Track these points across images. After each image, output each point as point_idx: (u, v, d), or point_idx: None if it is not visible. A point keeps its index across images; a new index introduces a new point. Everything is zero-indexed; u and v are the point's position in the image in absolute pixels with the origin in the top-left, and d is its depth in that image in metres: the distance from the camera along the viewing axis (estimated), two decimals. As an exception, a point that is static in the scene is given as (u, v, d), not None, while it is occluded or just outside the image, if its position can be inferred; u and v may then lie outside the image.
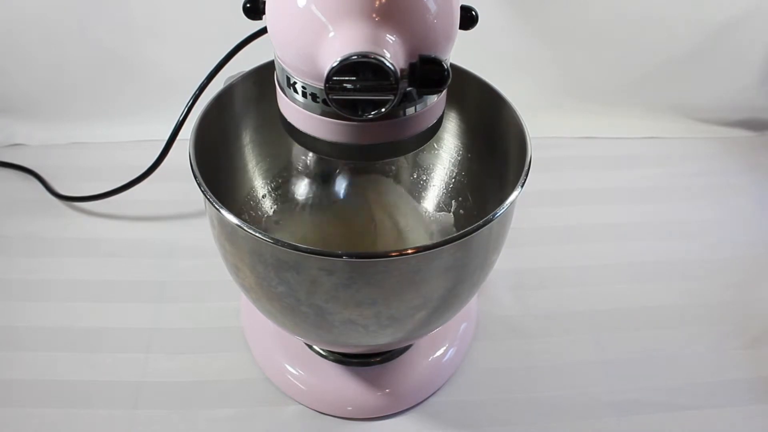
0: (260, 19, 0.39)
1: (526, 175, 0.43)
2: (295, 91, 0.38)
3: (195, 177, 0.42)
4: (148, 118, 0.77)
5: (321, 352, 0.54)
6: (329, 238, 0.56)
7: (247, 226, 0.39)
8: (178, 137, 0.60)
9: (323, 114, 0.37)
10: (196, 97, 0.57)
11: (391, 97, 0.34)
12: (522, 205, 0.47)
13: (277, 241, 0.38)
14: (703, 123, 0.83)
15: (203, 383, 0.54)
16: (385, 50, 0.33)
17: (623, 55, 0.81)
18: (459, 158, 0.56)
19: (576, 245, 0.67)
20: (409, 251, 0.38)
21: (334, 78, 0.33)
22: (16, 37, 0.75)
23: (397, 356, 0.54)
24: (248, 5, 0.39)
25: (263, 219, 0.56)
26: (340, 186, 0.57)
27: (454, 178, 0.56)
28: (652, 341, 0.58)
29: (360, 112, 0.35)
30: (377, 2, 0.34)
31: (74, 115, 0.78)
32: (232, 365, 0.55)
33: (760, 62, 0.80)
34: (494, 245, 0.45)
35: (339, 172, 0.56)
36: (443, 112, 0.41)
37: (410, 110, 0.37)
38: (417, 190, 0.58)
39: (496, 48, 0.78)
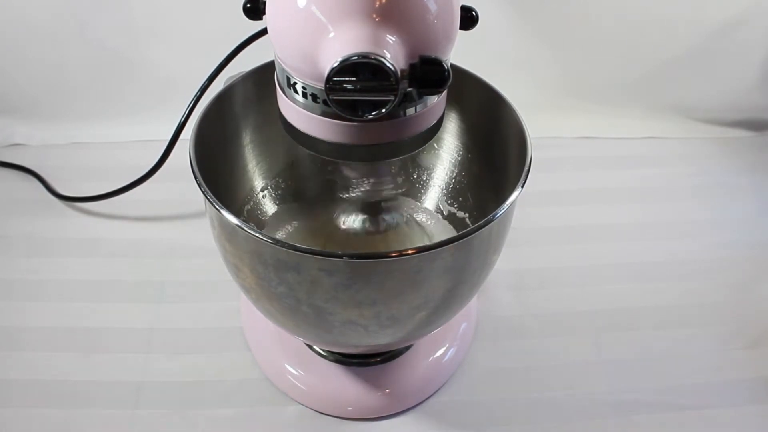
0: (260, 19, 0.39)
1: (526, 176, 0.43)
2: (296, 91, 0.37)
3: (195, 177, 0.42)
4: (148, 118, 0.77)
5: (321, 352, 0.54)
6: (330, 238, 0.56)
7: (247, 226, 0.39)
8: (180, 138, 0.60)
9: (323, 114, 0.37)
10: (197, 98, 0.57)
11: (392, 98, 0.34)
12: (522, 205, 0.47)
13: (277, 242, 0.38)
14: (702, 123, 0.83)
15: (203, 383, 0.54)
16: (385, 51, 0.33)
17: (623, 55, 0.81)
18: (459, 158, 0.56)
19: (576, 245, 0.67)
20: (410, 251, 0.38)
21: (335, 78, 0.33)
22: (16, 37, 0.75)
23: (397, 356, 0.54)
24: (248, 5, 0.39)
25: (263, 219, 0.56)
26: (340, 186, 0.57)
27: (454, 178, 0.56)
28: (652, 341, 0.58)
29: (360, 113, 0.35)
30: (377, 2, 0.34)
31: (74, 115, 0.78)
32: (232, 365, 0.55)
33: (760, 62, 0.80)
34: (494, 245, 0.45)
35: (339, 172, 0.56)
36: (443, 113, 0.41)
37: (410, 111, 0.37)
38: (417, 190, 0.58)
39: (496, 48, 0.78)
